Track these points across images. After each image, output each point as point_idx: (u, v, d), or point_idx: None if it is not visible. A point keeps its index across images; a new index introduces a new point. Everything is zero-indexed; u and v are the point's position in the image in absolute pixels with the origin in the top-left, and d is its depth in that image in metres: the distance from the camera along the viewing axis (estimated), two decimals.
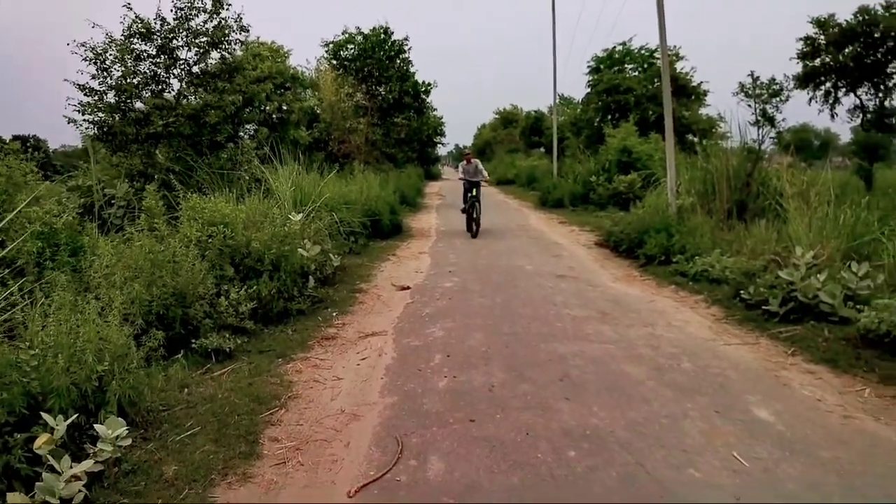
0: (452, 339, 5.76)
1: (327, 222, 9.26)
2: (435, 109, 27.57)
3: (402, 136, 24.04)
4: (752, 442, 3.54)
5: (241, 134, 12.06)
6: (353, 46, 23.38)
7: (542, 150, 45.21)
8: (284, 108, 21.06)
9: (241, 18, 9.95)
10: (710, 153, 11.54)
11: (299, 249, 7.34)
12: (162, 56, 9.45)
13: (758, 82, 43.86)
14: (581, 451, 3.51)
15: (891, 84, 34.05)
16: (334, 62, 23.29)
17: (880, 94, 34.91)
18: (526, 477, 3.25)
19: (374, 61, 22.96)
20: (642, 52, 27.14)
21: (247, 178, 9.64)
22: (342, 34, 23.43)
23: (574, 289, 7.84)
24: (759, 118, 42.76)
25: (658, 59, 25.83)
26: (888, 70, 33.63)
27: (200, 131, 9.58)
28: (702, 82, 26.71)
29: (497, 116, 60.60)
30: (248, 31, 10.04)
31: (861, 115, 36.02)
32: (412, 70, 24.16)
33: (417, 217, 17.97)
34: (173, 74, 9.67)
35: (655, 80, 25.34)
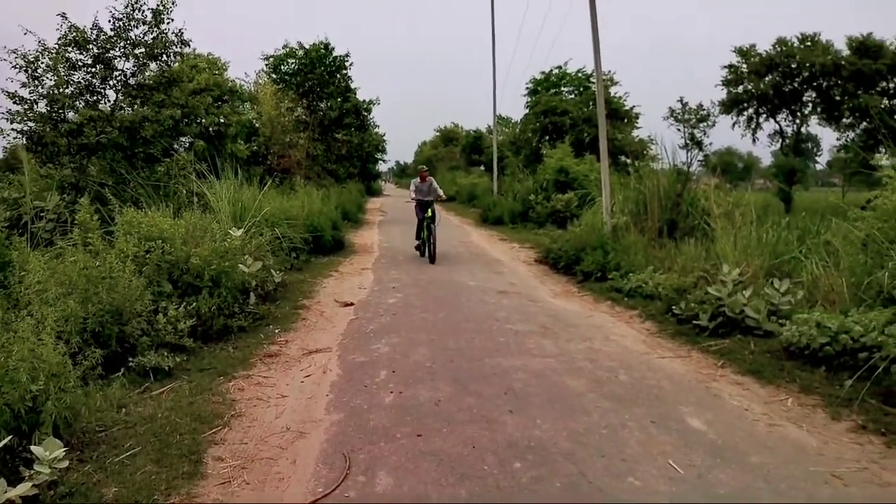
0: (397, 355, 5.79)
1: (268, 238, 9.14)
2: (377, 126, 27.68)
3: (344, 152, 23.94)
4: (687, 450, 3.72)
5: (177, 147, 11.76)
6: (293, 61, 23.21)
7: (482, 168, 45.91)
8: (222, 120, 20.64)
9: (183, 33, 9.77)
10: (642, 174, 12.02)
11: (240, 265, 7.23)
12: (97, 66, 9.16)
13: (687, 108, 46.07)
14: (526, 462, 3.61)
15: (807, 111, 36.37)
16: (274, 76, 23.04)
17: (797, 121, 37.25)
18: (473, 489, 3.32)
19: (315, 76, 22.85)
20: (578, 75, 28.07)
21: (184, 192, 9.42)
22: (283, 48, 23.27)
23: (516, 304, 8.02)
24: (688, 141, 44.90)
25: (593, 83, 26.78)
26: (804, 98, 35.93)
27: (135, 144, 9.31)
28: (634, 106, 27.86)
29: (438, 134, 61.19)
30: (188, 44, 9.87)
31: (780, 140, 38.29)
32: (354, 86, 24.17)
33: (359, 233, 17.91)
34: (109, 85, 9.39)
35: (590, 103, 26.25)
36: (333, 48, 23.45)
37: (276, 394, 4.86)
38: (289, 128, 22.58)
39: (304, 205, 13.23)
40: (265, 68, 23.41)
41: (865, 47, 31.36)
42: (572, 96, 27.91)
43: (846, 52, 32.29)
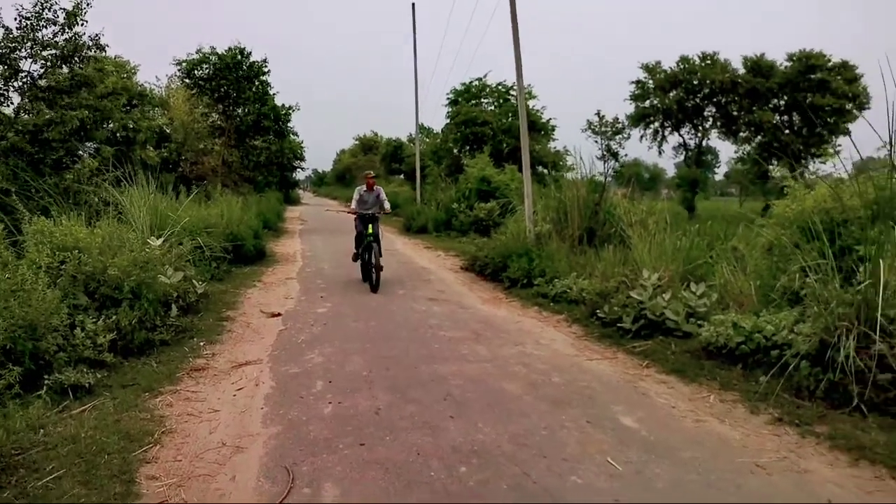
0: (332, 365, 5.71)
1: (188, 247, 8.79)
2: (296, 134, 27.03)
3: (262, 160, 23.32)
4: (623, 447, 3.89)
5: (82, 152, 11.09)
6: (207, 66, 22.43)
7: (402, 176, 45.98)
8: (131, 126, 19.66)
9: (99, 37, 9.25)
10: (562, 184, 12.43)
11: (160, 276, 6.92)
12: None
13: (603, 120, 48.00)
14: (471, 466, 3.65)
15: (707, 125, 38.77)
16: (187, 81, 22.18)
17: (699, 134, 39.61)
18: (422, 495, 3.33)
19: (230, 81, 22.19)
20: (498, 87, 28.66)
21: (97, 200, 8.90)
22: (196, 53, 22.43)
23: (446, 311, 8.09)
24: (605, 153, 46.78)
25: (512, 95, 27.43)
26: (705, 113, 38.30)
27: (42, 149, 8.72)
28: (550, 119, 28.71)
29: (357, 142, 60.76)
30: (104, 49, 9.36)
31: (684, 153, 40.60)
32: (272, 92, 23.60)
33: (281, 242, 17.53)
34: (13, 87, 8.75)
35: (510, 114, 26.84)
36: (249, 53, 22.85)
37: (207, 408, 4.68)
38: (203, 134, 21.80)
39: (224, 213, 12.82)
40: (178, 73, 22.49)
41: (759, 67, 33.82)
42: (492, 108, 28.47)
43: (742, 70, 34.72)
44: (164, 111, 22.66)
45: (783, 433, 4.08)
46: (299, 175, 49.22)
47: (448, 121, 29.06)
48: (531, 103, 27.13)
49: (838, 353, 4.37)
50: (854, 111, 31.35)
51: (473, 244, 13.10)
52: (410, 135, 44.18)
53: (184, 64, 22.34)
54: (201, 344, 6.45)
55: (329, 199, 57.90)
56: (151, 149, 20.24)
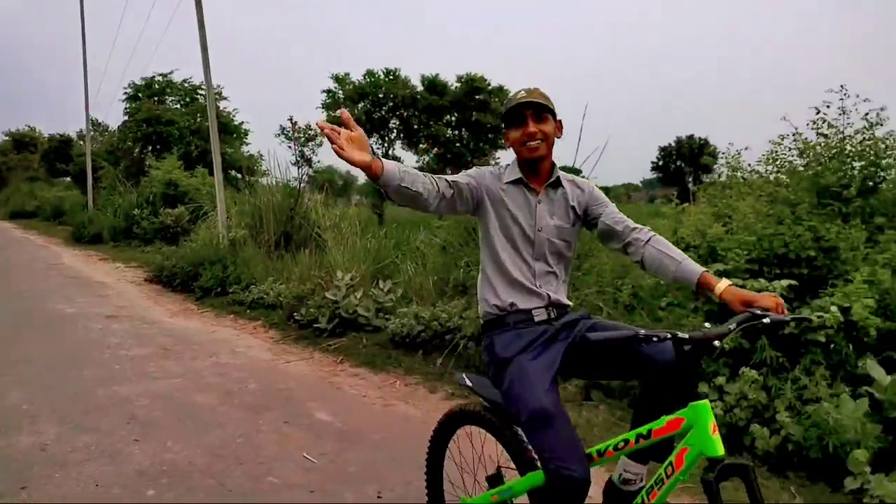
0: None
1: None
2: None
3: None
4: (319, 441, 4.06)
5: None
6: None
7: (69, 179, 40.02)
8: None
9: None
10: (256, 189, 12.28)
11: None
12: None
13: (296, 126, 48.18)
14: (161, 486, 3.45)
15: (392, 136, 41.88)
16: None
17: (385, 144, 42.51)
18: None
19: None
20: (185, 85, 26.85)
21: None
22: None
23: (128, 328, 7.39)
24: (299, 159, 47.00)
25: (201, 94, 25.98)
26: (390, 125, 41.31)
27: None
28: (243, 122, 27.90)
29: (7, 138, 50.88)
30: None
31: None
32: None
33: None
34: None
35: (199, 115, 25.39)
36: None
37: None
38: None
39: None
40: None
41: (434, 85, 37.77)
42: (178, 106, 26.52)
43: (421, 87, 38.36)
44: None
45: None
46: None
47: (126, 118, 26.23)
48: (222, 105, 26.10)
49: None
50: None
51: (160, 253, 12.13)
52: (81, 131, 38.65)
53: None
54: None
55: None
56: None
